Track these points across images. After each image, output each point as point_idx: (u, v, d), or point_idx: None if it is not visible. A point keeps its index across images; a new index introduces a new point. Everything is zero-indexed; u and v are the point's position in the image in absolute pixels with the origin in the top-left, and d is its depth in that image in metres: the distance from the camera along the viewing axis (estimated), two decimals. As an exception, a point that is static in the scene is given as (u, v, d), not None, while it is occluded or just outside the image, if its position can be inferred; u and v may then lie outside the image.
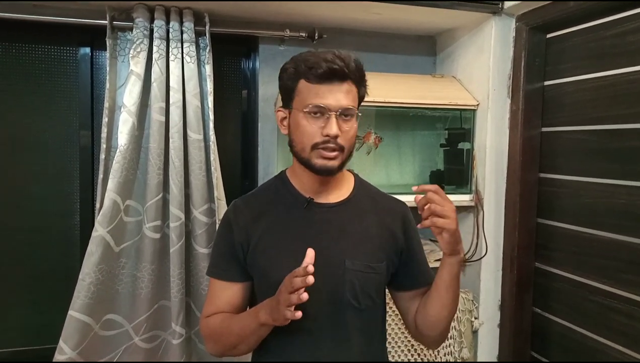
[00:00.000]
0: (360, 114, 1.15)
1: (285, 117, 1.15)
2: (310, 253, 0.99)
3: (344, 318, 1.12)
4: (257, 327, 1.06)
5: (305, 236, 1.13)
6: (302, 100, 1.08)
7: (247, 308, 1.24)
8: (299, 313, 0.95)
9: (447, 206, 1.01)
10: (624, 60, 1.52)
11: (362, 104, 1.18)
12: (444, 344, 1.92)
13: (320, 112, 1.06)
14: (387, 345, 1.81)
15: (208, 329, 1.17)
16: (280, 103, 1.87)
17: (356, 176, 1.25)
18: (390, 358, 1.85)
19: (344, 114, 1.07)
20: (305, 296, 0.94)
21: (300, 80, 1.09)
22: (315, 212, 1.15)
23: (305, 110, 1.07)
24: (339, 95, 1.06)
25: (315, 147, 1.07)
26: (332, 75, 1.06)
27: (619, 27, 1.54)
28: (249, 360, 1.25)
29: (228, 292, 1.17)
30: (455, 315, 1.92)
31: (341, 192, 1.19)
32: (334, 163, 1.08)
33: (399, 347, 1.88)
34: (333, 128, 1.05)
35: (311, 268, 0.95)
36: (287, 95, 1.13)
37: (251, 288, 1.20)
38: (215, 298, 1.18)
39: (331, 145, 1.06)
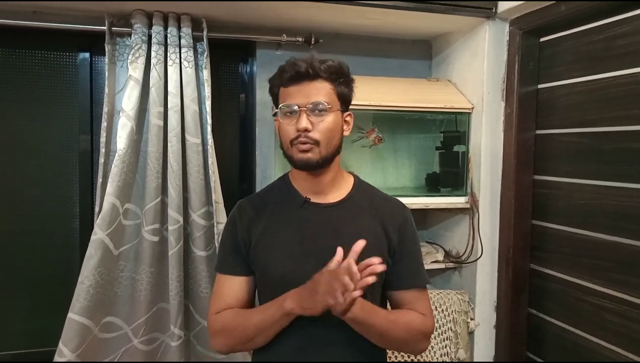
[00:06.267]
0: (349, 112, 1.21)
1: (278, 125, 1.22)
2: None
3: (339, 317, 1.13)
4: (280, 317, 1.09)
5: (301, 235, 1.17)
6: (280, 103, 1.17)
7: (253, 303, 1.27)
8: (357, 292, 1.00)
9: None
10: (615, 63, 1.54)
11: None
12: (440, 345, 1.94)
13: (292, 110, 1.14)
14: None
15: (220, 324, 1.18)
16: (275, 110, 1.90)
17: (356, 178, 1.29)
18: (387, 359, 1.86)
19: (316, 109, 1.13)
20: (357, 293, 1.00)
21: (280, 88, 1.19)
22: (312, 211, 1.20)
23: (278, 110, 1.16)
24: (308, 92, 1.14)
25: (292, 143, 1.14)
26: (299, 76, 1.14)
27: (609, 31, 1.56)
28: (249, 360, 1.27)
29: (236, 287, 1.20)
30: (452, 317, 1.94)
31: (339, 192, 1.23)
32: (310, 156, 1.14)
33: (396, 348, 1.90)
34: (302, 122, 1.12)
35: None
36: (275, 103, 1.22)
37: (255, 282, 1.24)
38: (224, 294, 1.21)
39: (303, 139, 1.12)
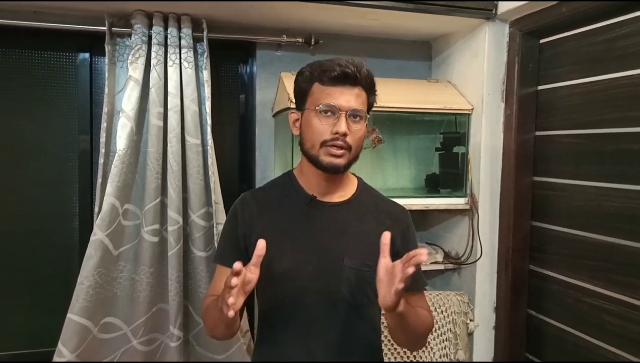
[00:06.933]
0: (368, 118, 1.21)
1: (297, 119, 1.21)
2: (260, 245, 1.02)
3: (340, 313, 1.16)
4: (220, 314, 1.07)
5: (306, 232, 1.18)
6: (315, 100, 1.15)
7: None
8: (230, 313, 0.96)
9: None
10: (615, 65, 1.54)
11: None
12: (439, 346, 1.94)
13: (332, 111, 1.13)
14: (384, 346, 1.83)
15: (202, 309, 1.22)
16: (279, 107, 1.90)
17: (360, 179, 1.31)
18: (385, 359, 1.87)
19: (353, 115, 1.13)
20: (231, 313, 0.96)
21: (315, 83, 1.16)
22: (317, 209, 1.20)
23: (317, 108, 1.13)
24: (349, 97, 1.13)
25: (324, 144, 1.13)
26: (344, 78, 1.13)
27: (609, 33, 1.56)
28: (250, 357, 1.28)
29: None
30: (451, 318, 1.94)
31: (344, 192, 1.24)
32: (341, 161, 1.14)
33: (395, 348, 1.90)
34: (342, 126, 1.11)
35: (234, 281, 0.95)
36: (301, 97, 1.20)
37: None
38: (217, 283, 1.22)
39: (339, 142, 1.12)
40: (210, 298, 1.19)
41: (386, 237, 1.05)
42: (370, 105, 1.20)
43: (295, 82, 1.22)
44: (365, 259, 1.16)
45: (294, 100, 1.26)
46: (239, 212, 1.22)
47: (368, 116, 1.19)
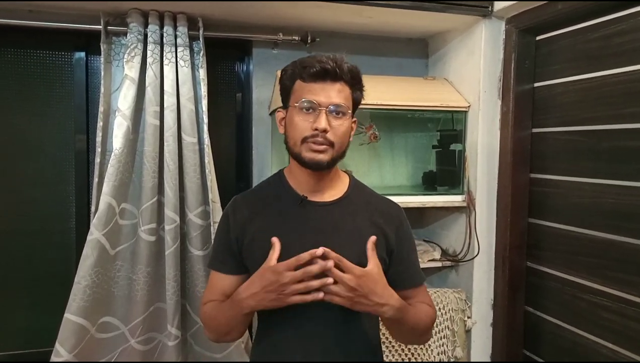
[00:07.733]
0: (355, 118, 1.21)
1: (283, 117, 1.21)
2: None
3: (336, 312, 1.15)
4: (243, 318, 1.13)
5: (299, 233, 1.17)
6: (297, 97, 1.15)
7: None
8: (320, 295, 1.04)
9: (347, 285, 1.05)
10: (611, 61, 1.55)
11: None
12: (437, 343, 1.94)
13: (312, 107, 1.12)
14: (382, 344, 1.83)
15: (204, 316, 1.23)
16: (275, 105, 1.90)
17: (352, 177, 1.30)
18: (384, 358, 1.87)
19: (335, 111, 1.13)
20: (320, 295, 1.04)
21: (297, 81, 1.16)
22: (309, 209, 1.19)
23: (297, 105, 1.13)
24: (330, 93, 1.12)
25: (304, 140, 1.13)
26: (325, 74, 1.12)
27: (605, 30, 1.57)
28: (247, 360, 1.28)
29: (224, 283, 1.22)
30: (449, 315, 1.94)
31: (335, 191, 1.23)
32: (323, 156, 1.13)
33: (393, 346, 1.90)
34: (322, 122, 1.11)
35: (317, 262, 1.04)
36: (285, 95, 1.20)
37: (246, 279, 1.22)
38: (213, 288, 1.23)
39: (320, 139, 1.11)
40: (212, 304, 1.19)
41: (371, 241, 1.10)
42: (355, 100, 1.19)
43: (280, 80, 1.21)
44: (359, 257, 1.15)
45: None
46: (231, 216, 1.22)
47: (350, 112, 1.17)
